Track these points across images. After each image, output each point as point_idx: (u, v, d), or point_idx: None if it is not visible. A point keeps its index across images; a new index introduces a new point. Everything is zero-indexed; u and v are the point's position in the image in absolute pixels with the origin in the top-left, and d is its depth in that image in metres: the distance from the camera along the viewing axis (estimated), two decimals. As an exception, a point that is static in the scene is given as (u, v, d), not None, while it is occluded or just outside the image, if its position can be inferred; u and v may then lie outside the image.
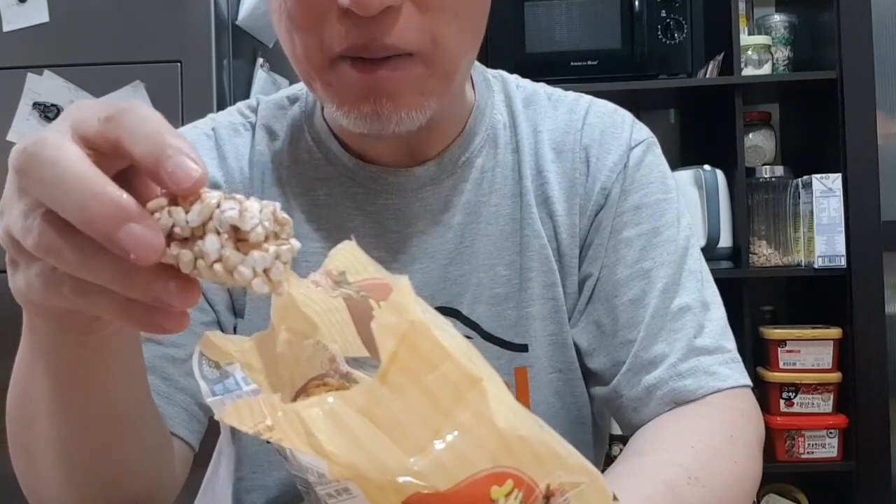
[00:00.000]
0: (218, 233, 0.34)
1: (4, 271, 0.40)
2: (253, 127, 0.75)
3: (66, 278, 0.37)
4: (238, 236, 0.34)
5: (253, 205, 0.35)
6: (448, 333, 0.37)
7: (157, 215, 0.35)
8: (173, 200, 0.35)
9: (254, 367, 0.40)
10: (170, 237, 0.35)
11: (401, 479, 0.33)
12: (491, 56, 1.95)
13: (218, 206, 0.34)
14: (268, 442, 0.40)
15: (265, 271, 0.35)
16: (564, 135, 0.74)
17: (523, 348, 0.72)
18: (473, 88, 0.74)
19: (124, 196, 0.34)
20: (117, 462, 0.55)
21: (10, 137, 1.70)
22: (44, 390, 0.50)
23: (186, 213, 0.34)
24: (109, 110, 0.36)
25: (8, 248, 0.39)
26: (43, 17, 1.69)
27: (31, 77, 1.69)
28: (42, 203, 0.35)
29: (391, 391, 0.35)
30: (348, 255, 0.40)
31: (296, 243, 0.37)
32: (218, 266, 0.34)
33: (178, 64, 1.66)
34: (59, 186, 0.34)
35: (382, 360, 0.35)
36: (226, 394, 0.38)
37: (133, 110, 0.35)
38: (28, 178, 0.35)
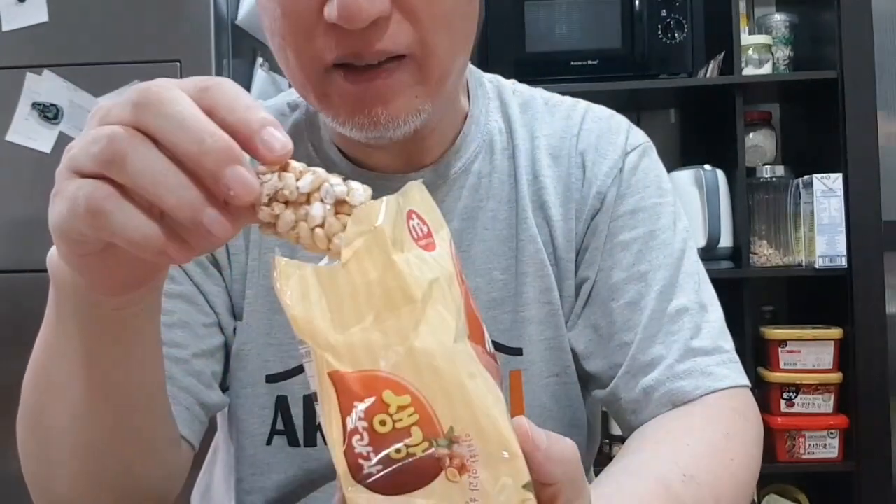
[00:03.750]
0: (322, 201, 0.39)
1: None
2: None
3: (110, 202, 0.38)
4: (337, 209, 0.39)
5: (357, 184, 0.39)
6: (409, 256, 0.38)
7: (266, 176, 0.39)
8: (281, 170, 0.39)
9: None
10: (272, 198, 0.39)
11: (328, 356, 0.36)
12: (491, 56, 1.94)
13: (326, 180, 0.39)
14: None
15: None
16: (561, 140, 0.75)
17: (518, 352, 0.72)
18: (468, 96, 0.75)
19: (234, 141, 0.38)
20: (130, 449, 0.57)
21: (9, 137, 1.70)
22: (66, 368, 0.51)
23: (297, 179, 0.39)
24: (205, 82, 0.40)
25: (61, 176, 0.40)
26: (42, 16, 1.69)
27: (30, 77, 1.69)
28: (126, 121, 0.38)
29: (346, 277, 0.37)
30: (419, 197, 0.41)
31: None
32: (319, 231, 0.39)
33: (178, 63, 1.66)
34: (178, 122, 0.38)
35: (345, 251, 0.37)
36: None
37: (225, 83, 0.40)
38: (148, 111, 0.38)
